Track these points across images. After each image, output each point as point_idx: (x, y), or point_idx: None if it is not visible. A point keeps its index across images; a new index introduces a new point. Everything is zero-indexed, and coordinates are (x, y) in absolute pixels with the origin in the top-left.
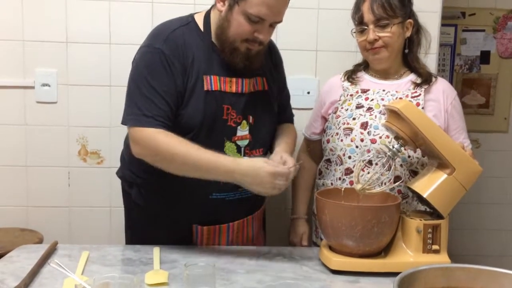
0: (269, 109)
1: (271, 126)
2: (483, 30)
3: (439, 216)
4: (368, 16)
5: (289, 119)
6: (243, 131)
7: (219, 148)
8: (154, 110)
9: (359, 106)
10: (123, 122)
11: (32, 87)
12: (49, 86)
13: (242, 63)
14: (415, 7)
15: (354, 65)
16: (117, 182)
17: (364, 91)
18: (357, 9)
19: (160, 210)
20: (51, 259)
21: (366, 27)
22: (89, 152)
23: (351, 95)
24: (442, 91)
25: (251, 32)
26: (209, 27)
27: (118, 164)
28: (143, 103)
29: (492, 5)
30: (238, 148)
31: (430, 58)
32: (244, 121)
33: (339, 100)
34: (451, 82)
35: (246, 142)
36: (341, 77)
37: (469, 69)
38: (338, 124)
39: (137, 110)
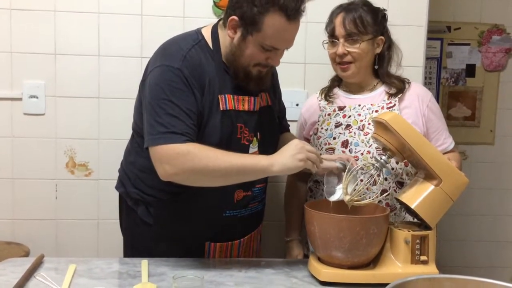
0: (274, 124)
1: (276, 139)
2: (468, 44)
3: (427, 227)
4: (339, 30)
5: (287, 128)
6: (253, 148)
7: None
8: (181, 127)
9: (337, 125)
10: (149, 144)
11: (20, 99)
12: (37, 98)
13: (256, 86)
14: (402, 21)
15: (329, 79)
16: (106, 195)
17: (341, 108)
18: (330, 21)
19: (172, 228)
20: (37, 272)
21: (336, 40)
22: (77, 164)
23: (329, 114)
24: (417, 96)
25: (264, 59)
26: (218, 45)
27: (107, 177)
28: (170, 121)
29: (477, 19)
30: None
31: (416, 71)
32: (255, 138)
33: (318, 121)
34: (437, 94)
35: None
36: (318, 96)
37: (455, 82)
38: (320, 145)
39: (164, 128)
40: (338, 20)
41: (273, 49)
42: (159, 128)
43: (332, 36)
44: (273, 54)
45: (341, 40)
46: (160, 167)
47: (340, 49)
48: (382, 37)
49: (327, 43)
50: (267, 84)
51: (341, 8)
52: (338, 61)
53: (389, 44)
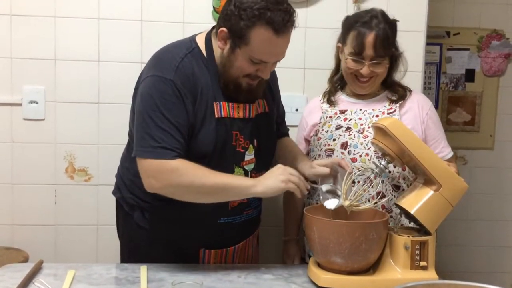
0: (271, 130)
1: (273, 146)
2: (468, 49)
3: (426, 233)
4: (369, 52)
5: (286, 133)
6: (249, 155)
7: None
8: (171, 142)
9: (338, 127)
10: (138, 155)
11: (20, 104)
12: (36, 103)
13: (246, 98)
14: (401, 27)
15: (329, 81)
16: (105, 200)
17: (342, 112)
18: (359, 40)
19: (167, 233)
20: (36, 278)
21: (362, 61)
22: (77, 170)
23: (330, 116)
24: (417, 103)
25: (253, 71)
26: (212, 53)
27: (106, 182)
28: (159, 134)
29: (476, 25)
30: (246, 173)
31: (416, 76)
32: (251, 145)
33: (319, 123)
34: (437, 99)
35: (252, 166)
36: (320, 99)
37: (454, 87)
38: (319, 146)
39: (154, 142)
40: (369, 41)
41: (261, 62)
42: (149, 141)
43: (359, 55)
44: (262, 67)
45: (367, 62)
46: (147, 180)
47: (367, 70)
48: (394, 49)
49: (349, 58)
50: (257, 96)
51: (367, 26)
52: (359, 76)
53: (397, 55)
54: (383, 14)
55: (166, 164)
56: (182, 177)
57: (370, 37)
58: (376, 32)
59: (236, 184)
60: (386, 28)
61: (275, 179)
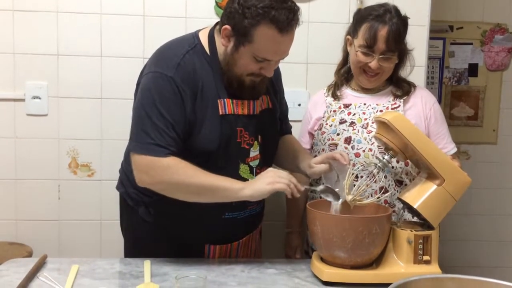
0: (275, 126)
1: (276, 142)
2: (471, 43)
3: (429, 227)
4: (381, 46)
5: (289, 130)
6: (254, 151)
7: (234, 171)
8: (165, 140)
9: (342, 122)
10: (132, 150)
11: (23, 100)
12: (39, 98)
13: (249, 95)
14: None
15: (336, 73)
16: (108, 195)
17: (347, 106)
18: (372, 34)
19: (172, 229)
20: (40, 272)
21: (372, 54)
22: (80, 165)
23: (334, 110)
24: (421, 99)
25: (257, 69)
26: (215, 50)
27: (109, 177)
28: (154, 131)
29: (479, 19)
30: (251, 169)
31: (419, 71)
32: (256, 142)
33: (323, 117)
34: (440, 94)
35: (257, 162)
36: (325, 92)
37: (457, 81)
38: (323, 141)
39: (148, 139)
40: (382, 35)
41: (265, 60)
42: (144, 137)
43: (370, 48)
44: (266, 65)
45: (377, 56)
46: (138, 175)
47: (376, 64)
48: (403, 46)
49: (359, 51)
50: (261, 92)
51: (380, 20)
52: (367, 70)
53: (406, 51)
54: (396, 10)
55: (157, 161)
56: (172, 175)
57: (383, 31)
58: (389, 26)
59: (225, 186)
60: (399, 23)
61: (261, 182)
